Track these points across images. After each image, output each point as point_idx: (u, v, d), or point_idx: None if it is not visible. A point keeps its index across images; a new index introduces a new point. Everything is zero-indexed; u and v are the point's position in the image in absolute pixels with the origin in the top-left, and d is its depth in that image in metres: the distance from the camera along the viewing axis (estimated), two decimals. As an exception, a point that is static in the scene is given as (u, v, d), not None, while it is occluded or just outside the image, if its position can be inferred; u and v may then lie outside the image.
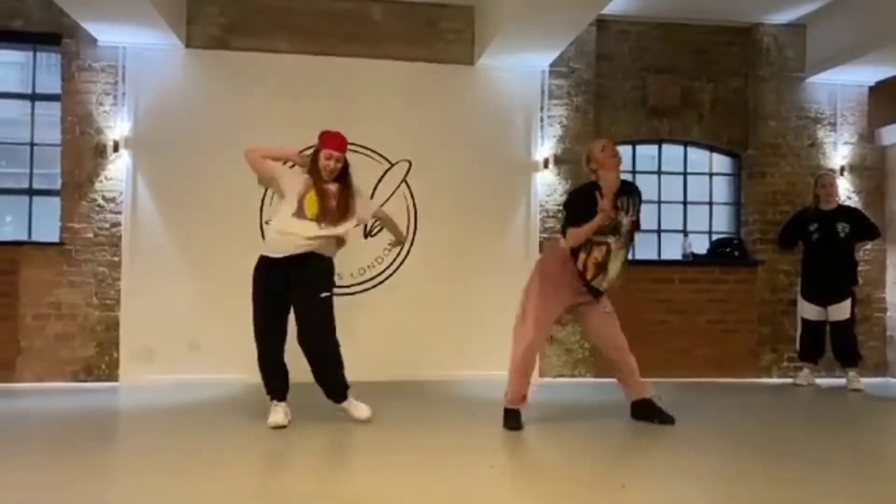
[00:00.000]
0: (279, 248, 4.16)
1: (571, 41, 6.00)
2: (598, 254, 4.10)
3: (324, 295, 4.21)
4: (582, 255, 4.12)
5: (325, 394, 4.31)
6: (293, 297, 4.18)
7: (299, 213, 4.13)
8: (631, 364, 4.39)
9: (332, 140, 4.24)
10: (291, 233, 4.12)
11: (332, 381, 4.25)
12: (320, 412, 4.39)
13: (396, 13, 6.31)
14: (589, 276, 4.13)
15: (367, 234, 6.14)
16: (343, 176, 4.28)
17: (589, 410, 5.03)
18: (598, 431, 4.35)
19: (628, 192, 4.27)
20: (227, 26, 6.10)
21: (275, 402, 4.24)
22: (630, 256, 6.55)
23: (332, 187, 4.22)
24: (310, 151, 4.31)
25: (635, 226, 4.29)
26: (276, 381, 4.25)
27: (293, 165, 4.47)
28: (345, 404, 4.31)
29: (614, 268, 4.16)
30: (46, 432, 4.21)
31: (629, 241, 4.29)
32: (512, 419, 4.22)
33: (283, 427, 4.12)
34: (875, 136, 6.95)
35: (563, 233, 4.26)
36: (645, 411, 4.41)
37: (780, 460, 3.69)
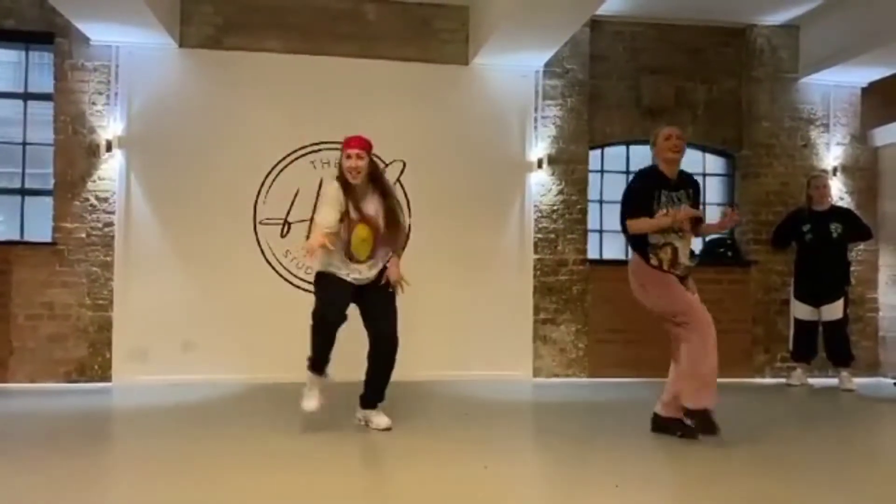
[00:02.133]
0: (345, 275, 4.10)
1: (566, 41, 6.01)
2: (663, 255, 4.05)
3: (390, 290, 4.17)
4: (652, 258, 4.05)
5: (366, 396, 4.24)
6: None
7: (350, 256, 4.04)
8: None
9: (350, 140, 4.12)
10: (350, 272, 4.08)
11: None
12: (316, 419, 4.38)
13: (391, 13, 6.31)
14: (665, 267, 4.05)
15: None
16: (376, 179, 4.17)
17: (582, 410, 5.04)
18: (591, 431, 4.36)
19: (685, 184, 4.21)
20: (220, 26, 6.09)
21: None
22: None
23: (372, 206, 4.10)
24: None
25: (698, 219, 4.18)
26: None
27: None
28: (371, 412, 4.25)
29: (684, 256, 4.10)
30: (39, 433, 4.18)
31: (692, 231, 4.19)
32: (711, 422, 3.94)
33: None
34: (867, 137, 6.98)
35: (623, 217, 4.14)
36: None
37: (772, 460, 3.70)
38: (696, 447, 3.94)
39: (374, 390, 4.19)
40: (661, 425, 4.17)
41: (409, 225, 6.21)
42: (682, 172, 4.26)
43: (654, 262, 4.04)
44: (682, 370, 4.01)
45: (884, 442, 4.63)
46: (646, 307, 4.15)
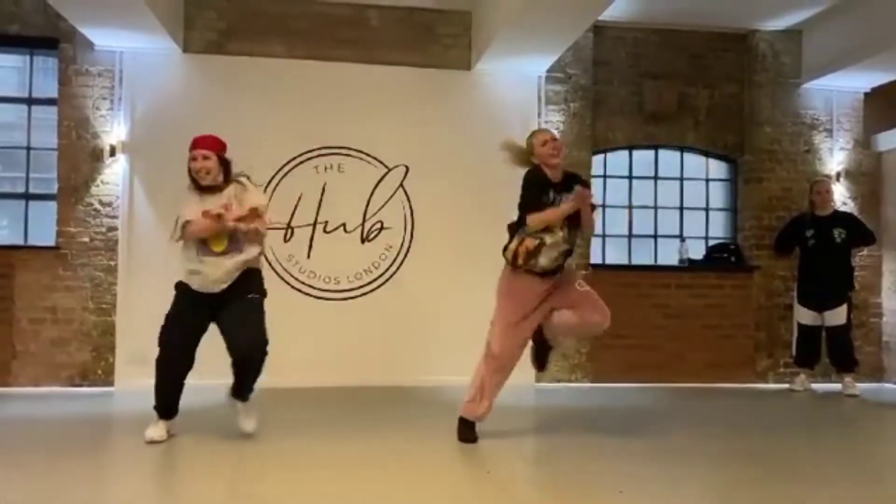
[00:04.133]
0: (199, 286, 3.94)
1: (568, 47, 6.02)
2: (529, 243, 3.90)
3: (251, 296, 3.96)
4: (513, 244, 3.95)
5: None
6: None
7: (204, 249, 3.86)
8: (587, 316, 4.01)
9: (197, 140, 3.93)
10: (202, 272, 3.89)
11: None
12: (315, 420, 4.38)
13: (394, 18, 6.32)
14: (520, 261, 3.90)
15: (364, 240, 6.16)
16: (227, 178, 3.95)
17: (586, 415, 5.03)
18: (595, 437, 4.35)
19: (571, 184, 4.00)
20: (224, 31, 6.10)
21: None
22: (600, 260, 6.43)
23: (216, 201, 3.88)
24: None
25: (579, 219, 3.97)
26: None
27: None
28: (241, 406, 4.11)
29: (547, 257, 3.91)
30: (42, 437, 4.18)
31: (572, 237, 4.01)
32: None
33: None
34: (871, 142, 6.97)
35: (520, 215, 4.02)
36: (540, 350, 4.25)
37: (775, 466, 3.69)
38: (700, 454, 3.93)
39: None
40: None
41: (412, 230, 6.23)
42: (566, 173, 4.09)
43: (509, 253, 3.95)
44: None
45: (889, 447, 4.61)
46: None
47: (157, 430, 3.95)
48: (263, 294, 4.03)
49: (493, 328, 4.08)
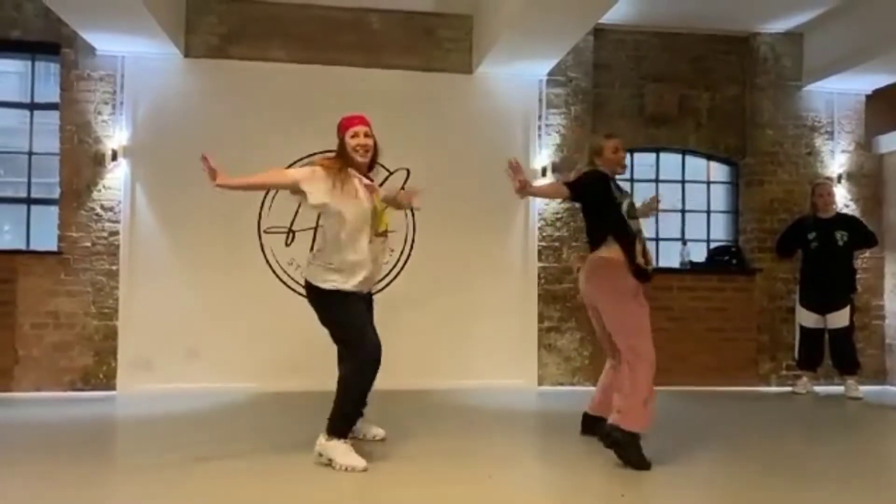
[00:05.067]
0: (367, 283, 3.78)
1: (569, 50, 6.02)
2: (640, 247, 3.86)
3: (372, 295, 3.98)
4: (638, 245, 3.83)
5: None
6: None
7: (373, 235, 3.69)
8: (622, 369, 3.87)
9: (353, 118, 3.89)
10: (375, 261, 3.74)
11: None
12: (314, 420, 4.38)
13: (395, 22, 6.33)
14: (645, 263, 3.85)
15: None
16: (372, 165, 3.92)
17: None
18: (596, 440, 4.34)
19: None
20: (225, 35, 6.11)
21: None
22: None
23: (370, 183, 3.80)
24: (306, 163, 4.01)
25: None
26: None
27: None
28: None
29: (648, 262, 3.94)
30: (44, 442, 4.18)
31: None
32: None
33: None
34: (872, 145, 6.96)
35: (603, 219, 3.91)
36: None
37: (778, 469, 3.69)
38: (703, 457, 3.92)
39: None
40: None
41: (414, 234, 6.25)
42: None
43: (639, 256, 3.87)
44: None
45: (891, 450, 4.60)
46: None
47: (353, 456, 3.50)
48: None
49: (631, 337, 3.79)
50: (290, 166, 6.11)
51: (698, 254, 6.88)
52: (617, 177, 4.05)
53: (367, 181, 3.82)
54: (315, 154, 6.16)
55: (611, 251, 3.85)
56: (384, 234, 3.81)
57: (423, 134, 6.26)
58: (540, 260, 6.42)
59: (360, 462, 3.47)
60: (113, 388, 5.81)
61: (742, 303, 6.70)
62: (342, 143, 3.83)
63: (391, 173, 6.22)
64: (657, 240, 6.93)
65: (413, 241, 6.26)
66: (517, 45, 5.72)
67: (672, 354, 6.47)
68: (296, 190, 3.70)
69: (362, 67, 6.22)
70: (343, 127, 3.88)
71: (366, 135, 3.84)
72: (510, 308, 6.36)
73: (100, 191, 5.91)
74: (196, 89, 6.07)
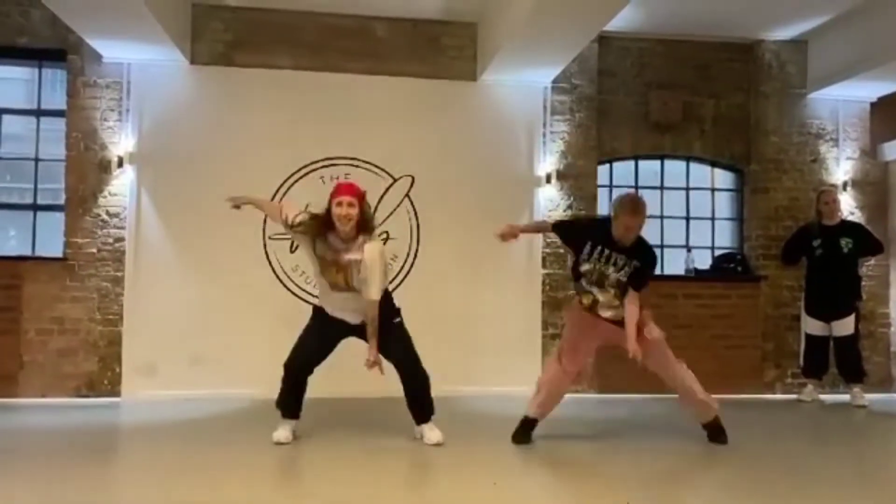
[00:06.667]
0: (343, 316, 4.25)
1: (574, 57, 6.03)
2: (585, 300, 4.26)
3: (396, 320, 4.29)
4: (577, 298, 4.40)
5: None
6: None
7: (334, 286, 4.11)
8: (686, 388, 4.40)
9: (343, 187, 4.06)
10: (343, 309, 4.20)
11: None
12: (324, 426, 4.38)
13: (400, 29, 6.35)
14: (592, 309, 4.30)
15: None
16: (363, 229, 4.05)
17: (592, 427, 5.01)
18: (601, 448, 4.33)
19: (631, 253, 4.16)
20: (231, 42, 6.14)
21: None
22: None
23: (347, 256, 4.01)
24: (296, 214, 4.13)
25: (628, 286, 4.18)
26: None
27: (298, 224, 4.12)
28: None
29: (605, 311, 4.24)
30: (48, 447, 4.19)
31: (621, 295, 4.21)
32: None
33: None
34: (877, 152, 6.96)
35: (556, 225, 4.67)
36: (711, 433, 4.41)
37: (783, 477, 3.67)
38: (707, 465, 3.91)
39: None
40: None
41: (418, 241, 6.25)
42: (640, 241, 4.36)
43: (575, 302, 4.52)
44: None
45: (897, 459, 4.58)
46: None
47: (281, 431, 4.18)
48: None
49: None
50: (296, 172, 6.15)
51: (703, 261, 6.87)
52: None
53: (342, 247, 4.02)
54: (319, 161, 6.20)
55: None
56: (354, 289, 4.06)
57: (427, 141, 6.28)
58: (544, 267, 6.41)
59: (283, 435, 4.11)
60: (117, 394, 5.81)
61: (747, 310, 6.68)
62: (329, 208, 4.02)
63: (395, 180, 6.24)
64: (662, 247, 6.92)
65: (417, 248, 6.26)
66: (522, 53, 5.73)
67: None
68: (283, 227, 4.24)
69: (367, 75, 6.24)
70: (333, 192, 4.06)
71: (349, 205, 3.97)
72: (514, 315, 6.36)
73: (105, 197, 5.93)
74: (202, 96, 6.10)
